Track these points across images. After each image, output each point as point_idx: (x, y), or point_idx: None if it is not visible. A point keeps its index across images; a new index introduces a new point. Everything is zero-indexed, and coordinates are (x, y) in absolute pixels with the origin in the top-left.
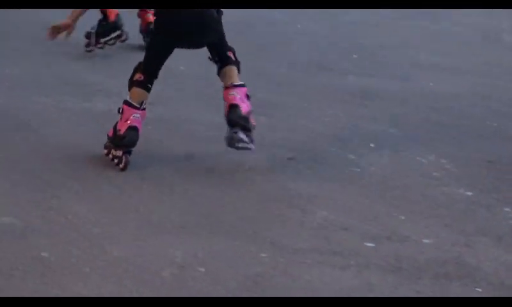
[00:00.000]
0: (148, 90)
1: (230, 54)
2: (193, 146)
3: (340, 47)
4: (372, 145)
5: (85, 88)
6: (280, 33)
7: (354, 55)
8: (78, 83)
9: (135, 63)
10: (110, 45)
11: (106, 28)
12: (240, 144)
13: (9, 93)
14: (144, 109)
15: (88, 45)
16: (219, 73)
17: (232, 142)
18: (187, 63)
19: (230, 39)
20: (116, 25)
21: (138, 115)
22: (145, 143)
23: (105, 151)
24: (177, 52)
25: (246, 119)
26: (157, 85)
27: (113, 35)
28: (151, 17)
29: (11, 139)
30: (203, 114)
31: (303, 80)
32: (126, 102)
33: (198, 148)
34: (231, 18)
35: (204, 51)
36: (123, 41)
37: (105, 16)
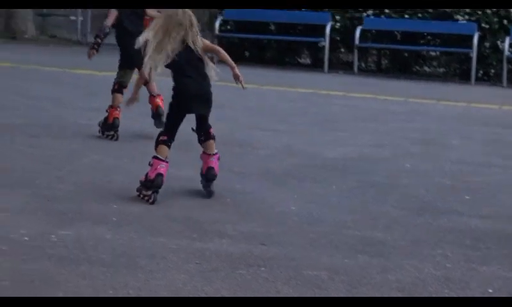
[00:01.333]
0: (169, 147)
1: (211, 131)
2: None
3: (447, 185)
4: (490, 290)
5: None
6: (386, 170)
7: (467, 197)
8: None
9: None
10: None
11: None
12: (212, 191)
13: (116, 229)
14: (167, 161)
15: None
16: (201, 143)
17: (208, 190)
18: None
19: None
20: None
21: (163, 165)
22: None
23: (137, 193)
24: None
25: (215, 176)
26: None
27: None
28: (159, 101)
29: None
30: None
31: (411, 219)
32: (155, 157)
33: None
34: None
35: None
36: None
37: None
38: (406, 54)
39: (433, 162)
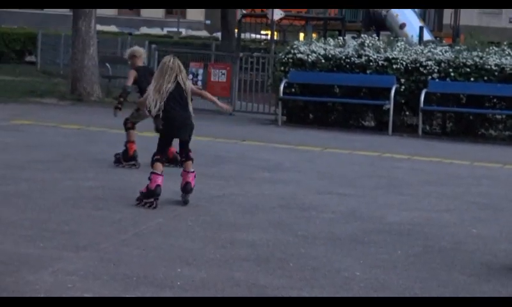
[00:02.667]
0: (163, 164)
1: (190, 154)
2: None
3: None
4: None
5: None
6: (453, 235)
7: None
8: None
9: None
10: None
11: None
12: (187, 201)
13: (181, 294)
14: (163, 175)
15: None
16: (182, 163)
17: (184, 200)
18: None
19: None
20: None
21: (160, 178)
22: None
23: (137, 202)
24: None
25: (192, 189)
26: None
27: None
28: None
29: None
30: None
31: (478, 286)
32: (152, 172)
33: None
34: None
35: None
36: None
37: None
38: (471, 117)
39: (500, 227)
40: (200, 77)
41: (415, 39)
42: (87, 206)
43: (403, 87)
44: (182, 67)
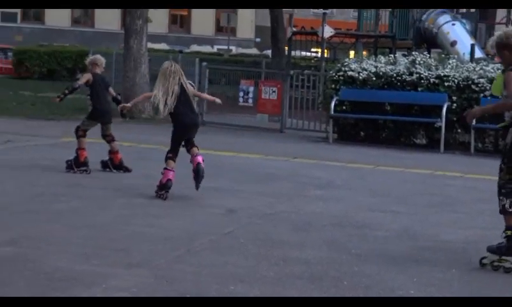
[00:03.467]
0: (175, 161)
1: (193, 142)
2: None
3: None
4: None
5: None
6: None
7: None
8: None
9: None
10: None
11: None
12: (199, 185)
13: None
14: (174, 170)
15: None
16: (188, 151)
17: (197, 182)
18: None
19: None
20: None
21: (171, 173)
22: None
23: (155, 194)
24: None
25: (203, 169)
26: None
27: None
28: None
29: None
30: None
31: None
32: (165, 168)
33: None
34: None
35: None
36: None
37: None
38: None
39: None
40: (250, 95)
41: (467, 56)
42: (140, 223)
43: (455, 104)
44: (182, 71)
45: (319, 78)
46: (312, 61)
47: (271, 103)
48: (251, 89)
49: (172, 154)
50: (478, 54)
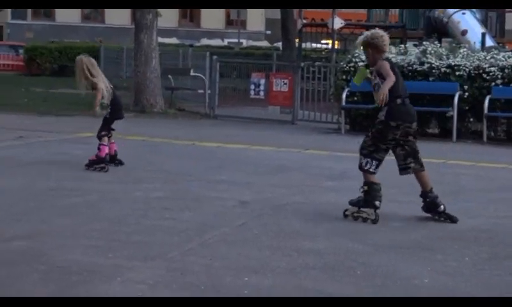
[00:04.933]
0: (109, 137)
1: None
2: None
3: None
4: None
5: None
6: None
7: None
8: None
9: None
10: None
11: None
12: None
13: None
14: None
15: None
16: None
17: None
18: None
19: None
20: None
21: (107, 149)
22: None
23: (88, 167)
24: None
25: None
26: None
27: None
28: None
29: None
30: None
31: None
32: (101, 144)
33: None
34: None
35: None
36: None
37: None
38: None
39: None
40: (261, 87)
41: (477, 45)
42: (154, 217)
43: (466, 93)
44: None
45: (330, 70)
46: (323, 53)
47: (282, 96)
48: (263, 81)
49: (106, 132)
50: (489, 42)
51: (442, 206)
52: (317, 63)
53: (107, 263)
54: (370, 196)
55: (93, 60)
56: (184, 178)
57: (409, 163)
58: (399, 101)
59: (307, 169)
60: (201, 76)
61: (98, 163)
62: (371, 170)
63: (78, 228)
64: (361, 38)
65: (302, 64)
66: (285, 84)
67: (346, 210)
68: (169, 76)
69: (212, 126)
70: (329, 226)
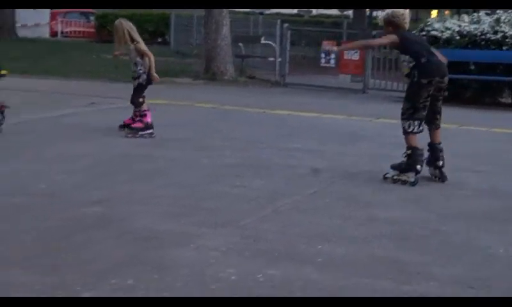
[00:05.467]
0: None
1: None
2: None
3: None
4: None
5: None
6: None
7: None
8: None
9: None
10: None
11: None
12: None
13: (321, 270)
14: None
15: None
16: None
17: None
18: None
19: None
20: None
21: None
22: None
23: (136, 135)
24: None
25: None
26: None
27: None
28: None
29: None
30: None
31: None
32: (145, 110)
33: None
34: None
35: None
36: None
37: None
38: None
39: None
40: (332, 55)
41: None
42: (224, 184)
43: None
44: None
45: None
46: None
47: (353, 64)
48: (334, 49)
49: (143, 98)
50: None
51: (441, 162)
52: None
53: (179, 229)
54: (412, 159)
55: (131, 24)
56: (255, 146)
57: (439, 118)
58: (423, 60)
59: (378, 138)
60: (272, 44)
61: (144, 129)
62: (415, 130)
63: (149, 194)
64: (382, 15)
65: (373, 32)
66: (356, 52)
67: (386, 174)
68: (240, 44)
69: (283, 95)
70: (402, 195)
